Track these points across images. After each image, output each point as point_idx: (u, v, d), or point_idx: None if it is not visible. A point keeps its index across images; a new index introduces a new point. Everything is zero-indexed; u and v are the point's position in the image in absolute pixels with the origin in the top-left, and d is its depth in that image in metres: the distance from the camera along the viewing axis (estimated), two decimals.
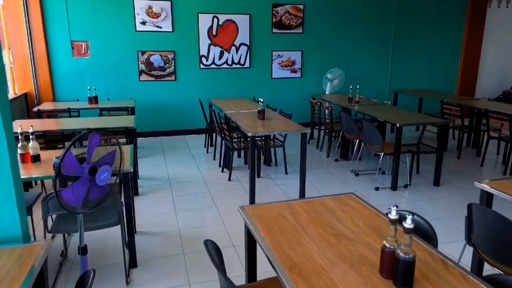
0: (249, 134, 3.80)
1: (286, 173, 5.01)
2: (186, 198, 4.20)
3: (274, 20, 7.06)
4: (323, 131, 6.20)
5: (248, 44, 7.02)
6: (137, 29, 6.45)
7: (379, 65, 7.87)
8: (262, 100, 4.46)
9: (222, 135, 4.93)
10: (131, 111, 5.50)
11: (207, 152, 5.96)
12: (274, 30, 7.11)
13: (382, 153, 4.41)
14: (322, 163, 5.47)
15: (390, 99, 8.18)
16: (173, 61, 6.72)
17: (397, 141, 4.31)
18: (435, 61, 8.23)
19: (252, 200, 4.00)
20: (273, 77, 7.31)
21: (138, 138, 6.62)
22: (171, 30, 6.60)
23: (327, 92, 7.39)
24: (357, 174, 4.95)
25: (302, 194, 4.15)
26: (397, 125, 4.25)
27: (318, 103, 6.04)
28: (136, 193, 4.25)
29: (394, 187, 4.43)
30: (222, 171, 5.09)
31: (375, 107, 5.44)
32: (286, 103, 7.48)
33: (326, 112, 5.74)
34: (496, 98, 8.24)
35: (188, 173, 5.03)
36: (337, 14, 7.36)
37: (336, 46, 7.50)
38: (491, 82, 8.66)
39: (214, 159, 5.62)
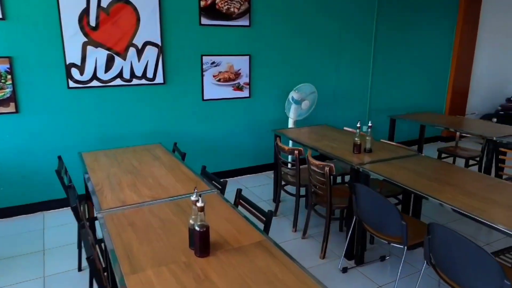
0: None
1: None
2: None
3: (202, 2, 4.15)
4: (301, 198, 3.48)
5: (159, 43, 4.01)
6: None
7: (359, 78, 5.41)
8: (200, 203, 1.55)
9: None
10: None
11: (80, 269, 2.84)
12: (204, 21, 4.20)
13: None
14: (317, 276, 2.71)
15: (368, 122, 5.79)
16: (9, 76, 3.43)
17: None
18: (423, 73, 6.06)
19: None
20: (205, 98, 4.39)
21: None
22: (0, 17, 3.32)
23: (290, 124, 4.68)
24: None
25: None
26: None
27: (296, 152, 3.30)
28: None
29: None
30: None
31: (408, 163, 2.86)
32: (230, 141, 4.62)
33: (318, 175, 2.99)
34: (494, 114, 6.37)
35: None
36: None
37: (302, 48, 4.82)
38: (482, 95, 6.81)
39: None
